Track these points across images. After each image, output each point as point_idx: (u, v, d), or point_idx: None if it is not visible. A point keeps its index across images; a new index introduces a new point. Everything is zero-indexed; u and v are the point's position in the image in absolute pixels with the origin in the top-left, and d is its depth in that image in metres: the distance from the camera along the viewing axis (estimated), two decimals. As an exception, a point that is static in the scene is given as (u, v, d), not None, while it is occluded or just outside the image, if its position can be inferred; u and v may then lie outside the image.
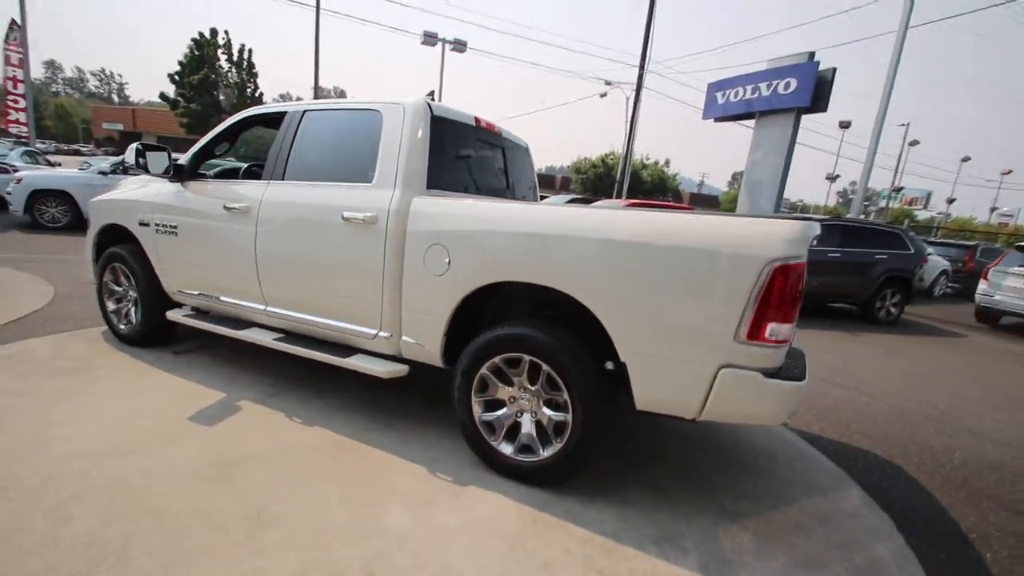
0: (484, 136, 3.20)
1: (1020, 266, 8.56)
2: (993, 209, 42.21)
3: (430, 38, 19.45)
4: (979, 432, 3.79)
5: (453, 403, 2.49)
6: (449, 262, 2.37)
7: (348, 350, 2.83)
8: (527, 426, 2.36)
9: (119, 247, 3.68)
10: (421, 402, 3.19)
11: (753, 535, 2.17)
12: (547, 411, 2.30)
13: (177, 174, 3.32)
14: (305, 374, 3.46)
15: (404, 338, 2.61)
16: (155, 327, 3.69)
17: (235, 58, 29.66)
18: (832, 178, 38.75)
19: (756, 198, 11.58)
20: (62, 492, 2.00)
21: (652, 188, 39.12)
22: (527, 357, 2.27)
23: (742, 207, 12.24)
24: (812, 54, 10.65)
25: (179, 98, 28.48)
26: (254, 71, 30.83)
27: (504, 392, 2.40)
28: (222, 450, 2.41)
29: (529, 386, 2.33)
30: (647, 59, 19.59)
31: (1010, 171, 44.29)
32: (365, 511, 2.06)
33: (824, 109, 10.72)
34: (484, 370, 2.39)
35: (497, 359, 2.34)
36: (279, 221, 2.87)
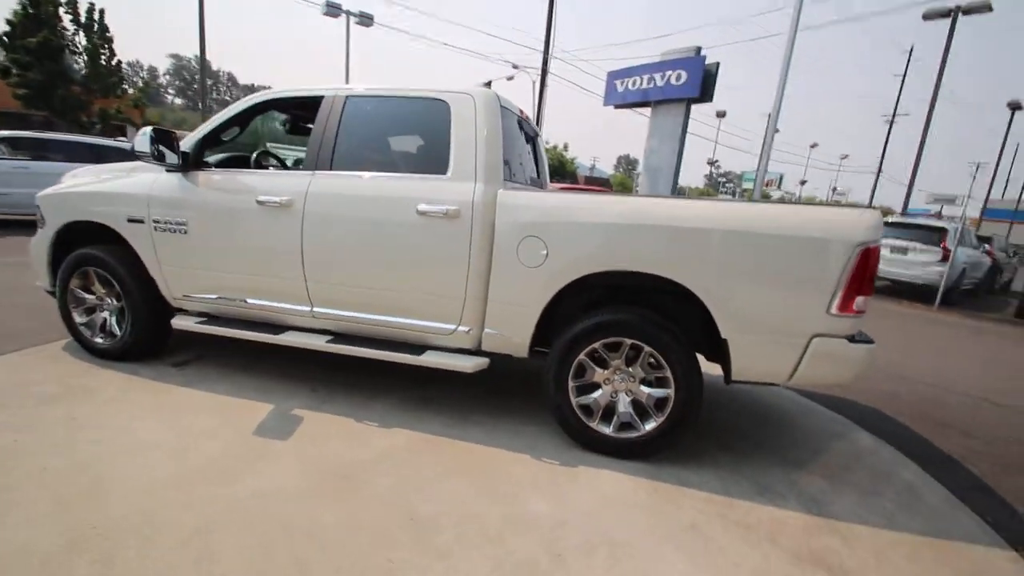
0: (524, 126, 3.23)
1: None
2: (834, 189, 49.97)
3: (333, 8, 18.13)
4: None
5: (547, 390, 2.58)
6: (547, 254, 2.42)
7: (407, 347, 2.75)
8: (624, 405, 2.52)
9: (93, 248, 3.16)
10: (477, 393, 3.21)
11: (820, 477, 2.56)
12: (645, 389, 2.48)
13: (183, 163, 2.92)
14: (341, 377, 3.29)
15: (487, 331, 2.62)
16: (150, 339, 3.25)
17: (83, 19, 25.18)
18: (712, 163, 43.11)
19: (655, 182, 12.51)
20: (181, 529, 1.78)
21: (552, 171, 40.58)
22: (628, 340, 2.42)
23: (644, 190, 13.09)
24: (699, 49, 11.62)
25: (11, 64, 23.60)
26: (108, 34, 26.47)
27: (599, 375, 2.54)
28: (322, 462, 2.27)
29: (625, 367, 2.49)
30: (551, 45, 20.19)
31: (847, 156, 52.47)
32: (507, 501, 2.10)
33: (711, 99, 11.73)
34: (582, 356, 2.50)
35: (597, 344, 2.47)
36: (333, 215, 2.69)
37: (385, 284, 2.68)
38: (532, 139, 3.48)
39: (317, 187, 2.73)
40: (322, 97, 2.85)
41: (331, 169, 2.76)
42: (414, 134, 2.76)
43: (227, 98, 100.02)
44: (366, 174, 2.72)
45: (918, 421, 3.56)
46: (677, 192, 14.78)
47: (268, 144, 3.61)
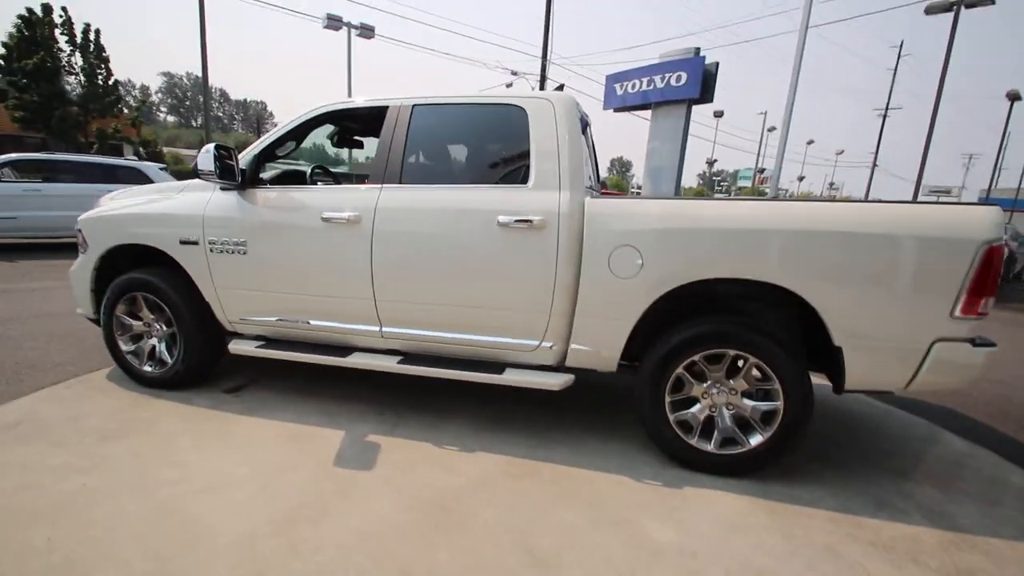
0: (587, 128, 3.12)
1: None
2: (831, 185, 50.20)
3: (334, 22, 18.06)
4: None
5: (641, 406, 2.44)
6: (642, 264, 2.30)
7: (482, 366, 2.62)
8: (726, 419, 2.39)
9: (142, 272, 3.01)
10: (547, 410, 3.07)
11: (930, 486, 2.43)
12: (748, 402, 2.35)
13: (241, 181, 2.79)
14: (405, 398, 3.14)
15: (573, 346, 2.49)
16: (204, 365, 3.10)
17: (79, 40, 25.08)
18: (711, 162, 43.25)
19: (658, 183, 12.41)
20: (294, 577, 1.63)
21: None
22: (731, 351, 2.30)
23: (646, 191, 12.98)
24: (698, 50, 11.55)
25: (9, 87, 23.44)
26: (104, 54, 26.38)
27: (697, 389, 2.41)
28: (416, 493, 2.13)
29: (725, 380, 2.36)
30: (549, 50, 20.20)
31: (842, 151, 52.97)
32: (625, 530, 1.95)
33: (711, 100, 11.61)
34: (680, 369, 2.37)
35: (697, 356, 2.34)
36: (406, 231, 2.56)
37: (463, 301, 2.55)
38: (593, 141, 3.37)
39: (387, 202, 2.60)
40: (387, 107, 2.73)
41: (400, 182, 2.63)
42: (488, 143, 2.63)
43: (219, 114, 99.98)
44: (439, 187, 2.59)
45: (999, 420, 3.44)
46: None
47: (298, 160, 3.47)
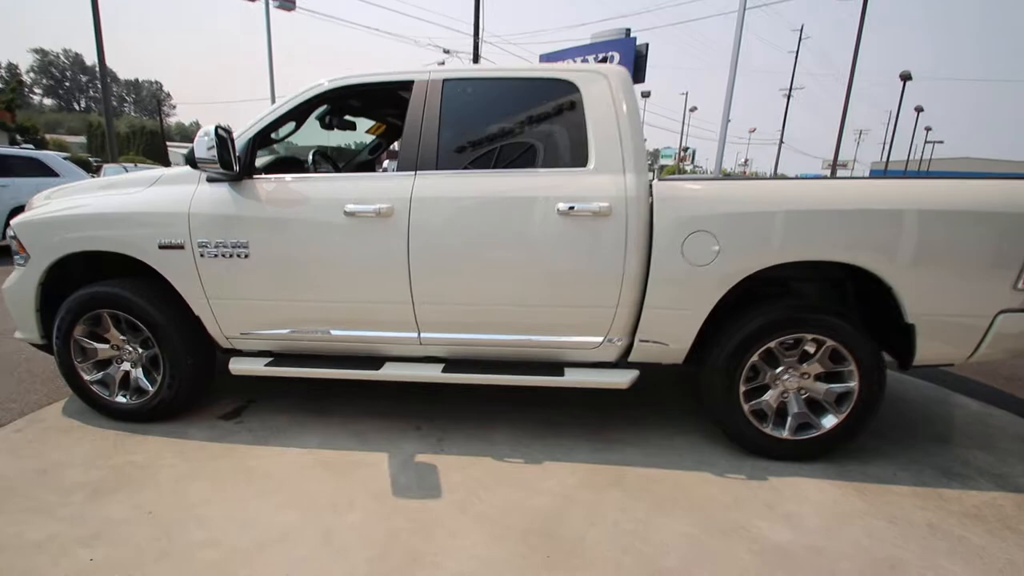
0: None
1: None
2: (745, 161, 53.57)
3: None
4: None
5: (712, 398, 2.34)
6: (719, 249, 2.16)
7: (535, 367, 2.41)
8: (799, 404, 2.34)
9: (109, 285, 2.48)
10: (592, 409, 2.90)
11: (979, 450, 2.53)
12: (822, 385, 2.31)
13: (239, 170, 2.33)
14: (439, 409, 2.85)
15: (640, 340, 2.33)
16: (197, 390, 2.64)
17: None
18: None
19: None
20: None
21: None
22: (809, 335, 2.23)
23: None
24: (628, 31, 11.73)
25: None
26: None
27: (771, 376, 2.33)
28: (504, 520, 1.89)
29: (798, 364, 2.31)
30: (481, 28, 19.67)
31: (754, 129, 56.52)
32: (743, 536, 1.84)
33: (642, 80, 11.81)
34: (755, 357, 2.28)
35: (773, 343, 2.25)
36: (449, 223, 2.25)
37: (518, 299, 2.30)
38: None
39: (424, 190, 2.27)
40: (411, 83, 2.37)
41: (437, 168, 2.31)
42: (534, 122, 2.36)
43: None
44: (485, 172, 2.30)
45: (1009, 383, 3.67)
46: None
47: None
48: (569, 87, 2.29)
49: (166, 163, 24.22)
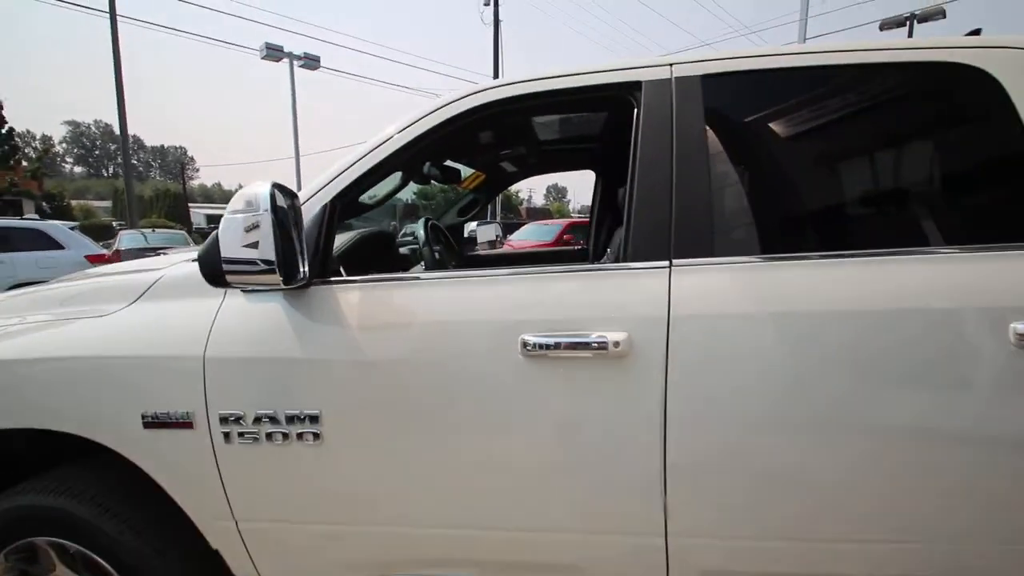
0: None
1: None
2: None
3: (274, 51, 16.06)
4: None
5: None
6: None
7: None
8: None
9: (50, 494, 1.28)
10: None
11: None
12: None
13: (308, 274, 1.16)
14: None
15: None
16: None
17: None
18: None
19: None
20: None
21: (504, 205, 39.97)
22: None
23: None
24: None
25: None
26: (-7, 100, 23.01)
27: None
28: None
29: None
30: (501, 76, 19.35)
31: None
32: None
33: None
34: None
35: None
36: (769, 366, 1.04)
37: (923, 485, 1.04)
38: None
39: (695, 300, 1.07)
40: (638, 84, 1.21)
41: (714, 254, 1.11)
42: (903, 148, 1.19)
43: (134, 161, 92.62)
44: (842, 258, 1.09)
45: None
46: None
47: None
48: (974, 78, 1.11)
49: (188, 226, 23.86)
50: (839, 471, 1.05)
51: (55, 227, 6.67)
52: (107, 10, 13.63)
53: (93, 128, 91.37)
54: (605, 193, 2.72)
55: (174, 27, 15.56)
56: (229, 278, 1.06)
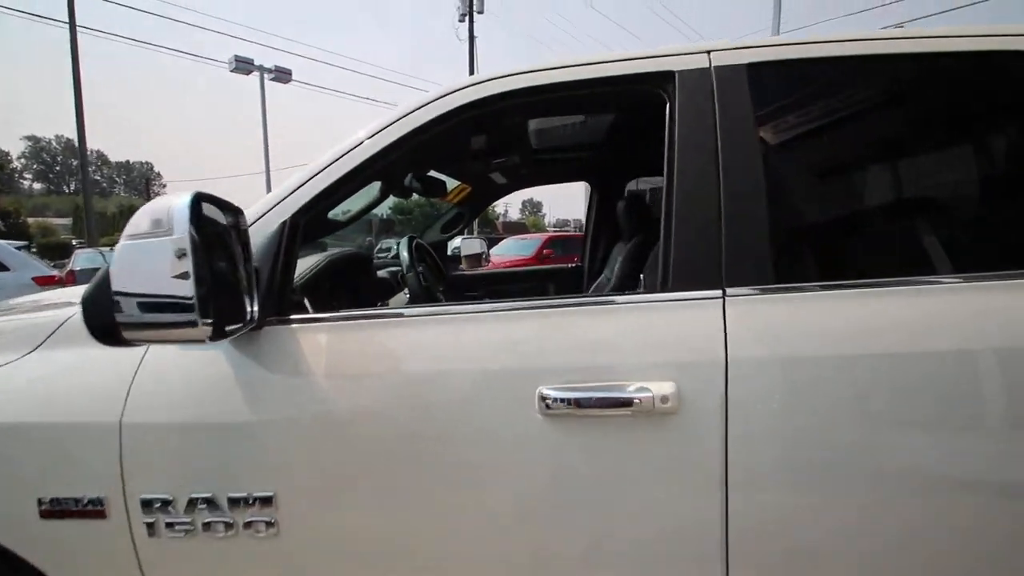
0: None
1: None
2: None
3: (243, 64, 15.60)
4: None
5: None
6: None
7: None
8: None
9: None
10: None
11: None
12: None
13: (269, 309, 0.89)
14: None
15: None
16: None
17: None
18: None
19: None
20: None
21: (480, 220, 39.94)
22: None
23: None
24: None
25: None
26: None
27: None
28: None
29: None
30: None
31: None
32: None
33: None
34: None
35: None
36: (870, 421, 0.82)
37: None
38: None
39: (761, 339, 0.84)
40: (671, 74, 1.00)
41: (778, 281, 0.89)
42: (974, 159, 0.99)
43: (97, 177, 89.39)
44: (926, 285, 0.88)
45: None
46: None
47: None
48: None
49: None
50: (941, 542, 0.84)
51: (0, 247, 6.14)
52: (67, 20, 13.05)
53: (54, 143, 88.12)
54: (601, 206, 2.52)
55: (136, 38, 14.99)
56: (127, 333, 0.76)
